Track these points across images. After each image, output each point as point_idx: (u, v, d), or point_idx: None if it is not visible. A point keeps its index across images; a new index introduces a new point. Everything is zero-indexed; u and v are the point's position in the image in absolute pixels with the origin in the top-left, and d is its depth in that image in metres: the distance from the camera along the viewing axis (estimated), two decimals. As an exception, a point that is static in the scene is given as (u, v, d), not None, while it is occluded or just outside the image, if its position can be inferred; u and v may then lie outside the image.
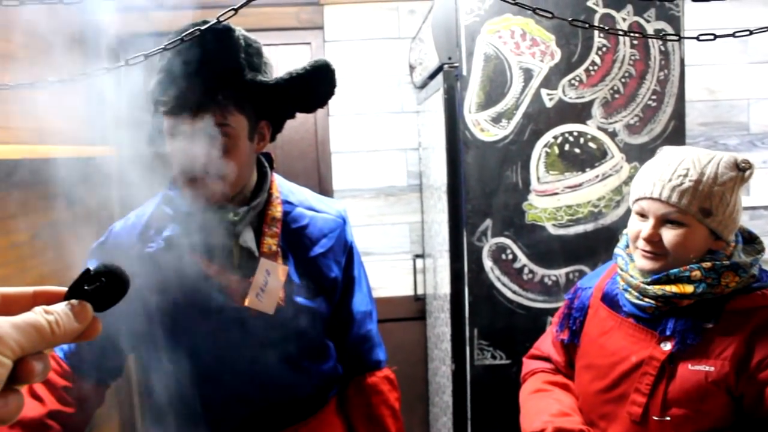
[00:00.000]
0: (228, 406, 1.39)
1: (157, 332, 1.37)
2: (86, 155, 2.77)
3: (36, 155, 2.21)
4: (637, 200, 1.41)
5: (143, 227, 1.38)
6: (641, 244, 1.39)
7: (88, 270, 0.55)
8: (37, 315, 0.50)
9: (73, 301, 0.53)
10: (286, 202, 1.46)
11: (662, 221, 1.37)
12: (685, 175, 1.34)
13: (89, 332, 0.54)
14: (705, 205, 1.33)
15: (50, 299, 0.54)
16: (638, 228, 1.40)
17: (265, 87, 1.32)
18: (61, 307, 0.52)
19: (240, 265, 1.36)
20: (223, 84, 1.26)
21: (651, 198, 1.37)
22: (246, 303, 1.32)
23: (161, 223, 1.37)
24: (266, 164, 1.46)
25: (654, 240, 1.37)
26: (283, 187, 1.49)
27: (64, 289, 0.55)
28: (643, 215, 1.41)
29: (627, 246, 1.49)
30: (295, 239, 1.44)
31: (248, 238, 1.35)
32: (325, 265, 1.47)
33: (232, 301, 1.34)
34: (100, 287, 0.55)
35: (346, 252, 1.55)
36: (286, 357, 1.42)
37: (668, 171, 1.36)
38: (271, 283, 1.35)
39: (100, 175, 2.96)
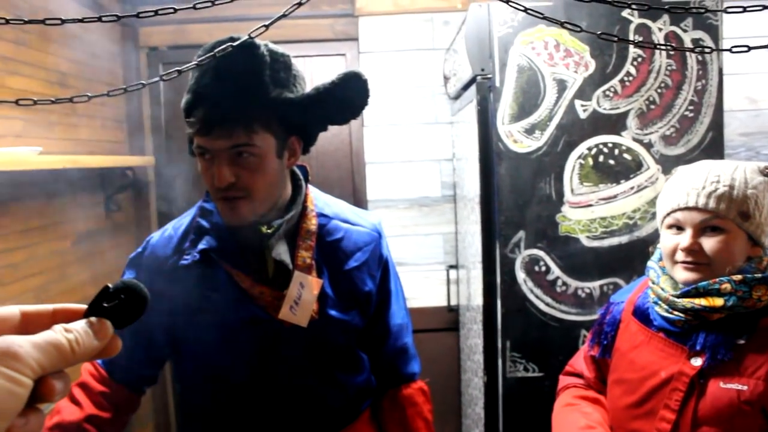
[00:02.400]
0: (261, 418, 1.40)
1: (191, 343, 1.39)
2: (126, 165, 2.84)
3: (77, 165, 2.27)
4: (670, 213, 1.39)
5: (179, 239, 1.40)
6: (680, 256, 1.37)
7: (107, 287, 0.55)
8: (57, 333, 0.49)
9: (93, 319, 0.53)
10: (321, 215, 1.46)
11: (701, 230, 1.34)
12: (718, 181, 1.33)
13: (109, 350, 0.54)
14: (743, 208, 1.31)
15: (70, 317, 0.54)
16: (674, 242, 1.38)
17: (291, 103, 1.30)
18: (80, 325, 0.52)
19: (274, 277, 1.37)
20: (247, 103, 1.25)
21: (687, 208, 1.35)
22: (280, 316, 1.33)
23: (197, 236, 1.39)
24: (301, 177, 1.47)
25: (695, 249, 1.34)
26: (318, 199, 1.50)
27: (84, 306, 0.55)
28: (678, 228, 1.38)
29: (660, 259, 1.47)
30: (330, 252, 1.44)
31: (282, 251, 1.35)
32: (359, 279, 1.47)
33: (265, 314, 1.35)
34: (120, 304, 0.55)
35: (381, 266, 1.54)
36: (319, 369, 1.43)
37: (699, 180, 1.35)
38: (305, 296, 1.35)
39: (140, 184, 3.03)
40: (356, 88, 1.33)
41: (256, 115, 1.26)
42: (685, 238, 1.35)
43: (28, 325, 0.53)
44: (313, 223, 1.43)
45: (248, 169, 1.28)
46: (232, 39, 0.94)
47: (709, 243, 1.33)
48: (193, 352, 1.41)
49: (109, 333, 0.54)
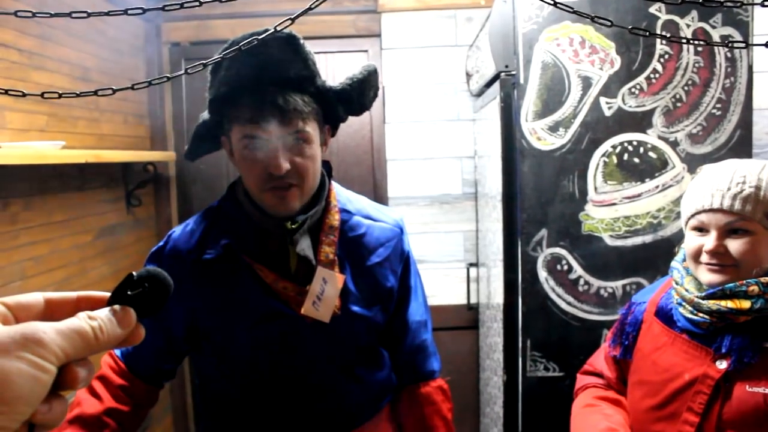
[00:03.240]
0: (281, 412, 1.40)
1: (213, 338, 1.39)
2: (148, 160, 2.86)
3: (100, 159, 2.28)
4: (694, 215, 1.36)
5: (201, 233, 1.40)
6: (705, 258, 1.34)
7: (131, 275, 0.55)
8: (81, 321, 0.49)
9: (117, 307, 0.53)
10: (343, 211, 1.46)
11: (726, 232, 1.31)
12: (744, 182, 1.29)
13: (132, 338, 0.54)
14: None
15: (93, 304, 0.54)
16: (699, 243, 1.35)
17: (335, 93, 1.35)
18: (104, 313, 0.52)
19: (297, 273, 1.37)
20: (300, 91, 1.28)
21: (711, 210, 1.32)
22: (302, 311, 1.33)
23: (219, 230, 1.39)
24: (324, 172, 1.47)
25: (720, 252, 1.31)
26: (341, 195, 1.50)
27: (107, 294, 0.55)
28: (702, 229, 1.36)
29: (684, 260, 1.44)
30: (352, 248, 1.44)
31: (305, 246, 1.35)
32: (382, 275, 1.47)
33: (288, 309, 1.35)
34: (143, 293, 0.54)
35: (403, 261, 1.54)
36: (341, 365, 1.43)
37: (724, 181, 1.31)
38: (328, 292, 1.35)
39: (161, 179, 3.05)
40: (375, 81, 1.42)
41: (308, 102, 1.29)
42: (710, 241, 1.32)
43: (52, 312, 0.54)
44: (336, 219, 1.43)
45: (302, 156, 1.31)
46: (265, 31, 0.94)
47: (734, 245, 1.30)
48: (214, 347, 1.41)
49: (132, 321, 0.53)
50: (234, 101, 1.27)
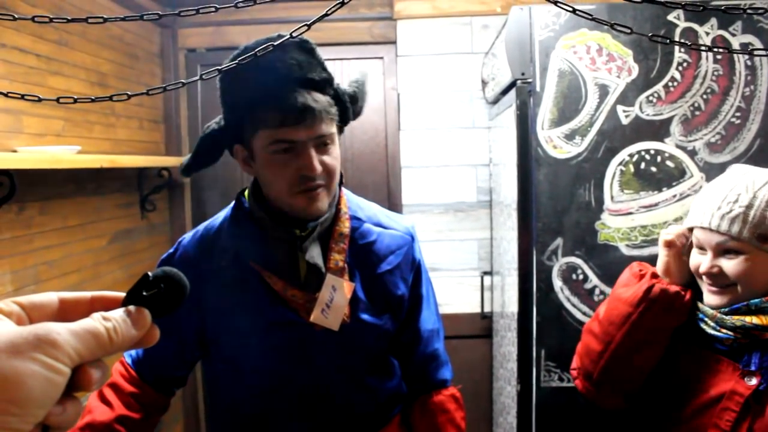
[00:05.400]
0: (291, 422, 1.39)
1: (222, 345, 1.39)
2: (162, 165, 2.86)
3: (115, 164, 2.29)
4: (692, 231, 1.35)
5: (211, 240, 1.40)
6: (705, 278, 1.32)
7: (146, 275, 0.54)
8: (95, 322, 0.49)
9: (131, 308, 0.52)
10: (354, 218, 1.45)
11: (719, 252, 1.29)
12: (736, 201, 1.26)
13: (147, 339, 0.53)
14: (761, 230, 1.24)
15: (108, 305, 0.53)
16: (698, 261, 1.33)
17: (349, 96, 1.35)
18: (119, 314, 0.51)
19: (306, 280, 1.36)
20: (323, 93, 1.28)
21: (703, 228, 1.31)
22: (311, 319, 1.32)
23: (229, 237, 1.39)
24: None
25: (715, 273, 1.29)
26: (351, 202, 1.49)
27: (122, 294, 0.54)
28: (700, 247, 1.34)
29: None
30: (363, 255, 1.43)
31: (315, 254, 1.34)
32: (392, 283, 1.46)
33: (297, 317, 1.34)
34: (159, 293, 0.54)
35: (414, 269, 1.53)
36: (350, 374, 1.42)
37: (719, 198, 1.29)
38: (337, 300, 1.34)
39: (176, 185, 3.06)
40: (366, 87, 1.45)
41: (331, 104, 1.30)
42: (706, 261, 1.30)
43: (66, 312, 0.53)
44: (346, 226, 1.42)
45: (330, 156, 1.31)
46: (281, 36, 0.93)
47: (728, 266, 1.28)
48: (223, 354, 1.40)
49: (147, 322, 0.53)
50: (260, 105, 1.26)
